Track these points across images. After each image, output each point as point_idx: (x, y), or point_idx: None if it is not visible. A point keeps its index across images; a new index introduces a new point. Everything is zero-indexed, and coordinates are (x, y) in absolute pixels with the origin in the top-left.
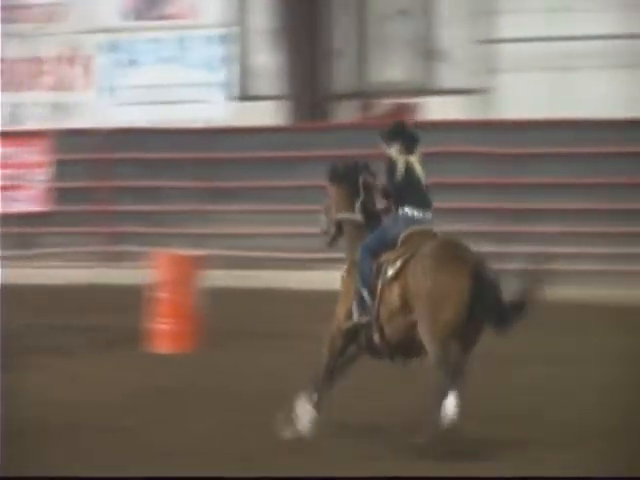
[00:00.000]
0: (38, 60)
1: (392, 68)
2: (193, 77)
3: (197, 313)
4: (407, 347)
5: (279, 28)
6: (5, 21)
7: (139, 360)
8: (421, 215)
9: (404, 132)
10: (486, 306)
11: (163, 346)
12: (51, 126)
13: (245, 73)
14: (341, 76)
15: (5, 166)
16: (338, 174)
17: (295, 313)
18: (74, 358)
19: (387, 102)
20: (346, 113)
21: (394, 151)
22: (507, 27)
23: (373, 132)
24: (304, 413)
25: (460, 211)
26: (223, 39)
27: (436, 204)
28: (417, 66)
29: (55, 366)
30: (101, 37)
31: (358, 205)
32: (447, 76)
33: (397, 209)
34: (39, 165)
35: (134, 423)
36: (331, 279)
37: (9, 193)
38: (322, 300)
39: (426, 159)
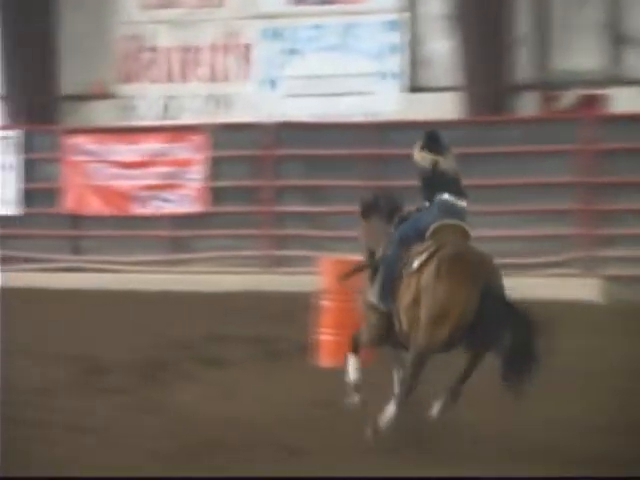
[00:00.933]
0: (193, 49)
1: (578, 56)
2: (360, 67)
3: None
4: None
5: (454, 13)
6: (157, 7)
7: (303, 374)
8: (456, 201)
9: (429, 138)
10: (488, 333)
11: (328, 359)
12: (207, 120)
13: (417, 62)
14: (522, 65)
15: (157, 164)
16: (369, 207)
17: None
18: (235, 370)
19: (573, 93)
20: (528, 106)
21: (418, 153)
22: None
23: (558, 126)
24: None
25: None
26: (393, 26)
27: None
28: (605, 54)
29: (213, 379)
30: (260, 24)
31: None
32: (638, 65)
33: (431, 200)
34: (194, 162)
35: (306, 442)
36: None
37: (162, 193)
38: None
39: (616, 155)
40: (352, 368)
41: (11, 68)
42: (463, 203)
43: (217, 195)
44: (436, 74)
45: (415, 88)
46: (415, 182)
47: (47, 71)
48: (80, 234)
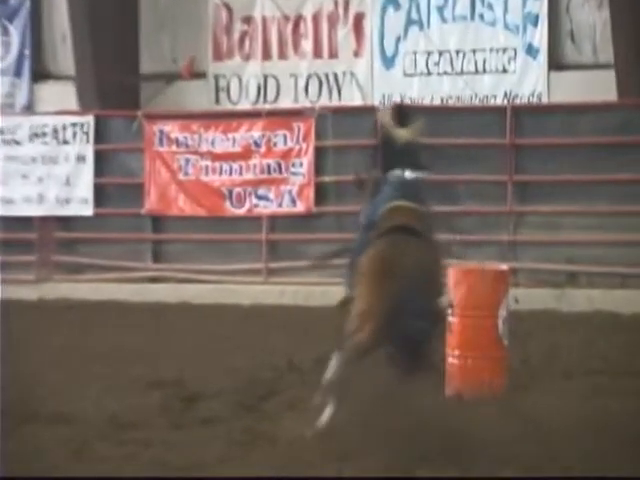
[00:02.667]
0: (295, 20)
1: None
2: (493, 41)
3: (500, 345)
4: None
5: None
6: None
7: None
8: (410, 175)
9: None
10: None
11: (453, 385)
12: (312, 104)
13: (561, 36)
14: None
15: (254, 155)
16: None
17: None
18: None
19: None
20: None
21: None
22: None
23: None
24: None
25: None
26: None
27: None
28: None
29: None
30: None
31: None
32: None
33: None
34: (298, 154)
35: None
36: None
37: (259, 190)
38: None
39: None
40: (331, 366)
41: (83, 43)
42: (418, 176)
43: (324, 192)
44: (584, 49)
45: (560, 66)
46: (564, 175)
47: (126, 47)
48: (163, 238)
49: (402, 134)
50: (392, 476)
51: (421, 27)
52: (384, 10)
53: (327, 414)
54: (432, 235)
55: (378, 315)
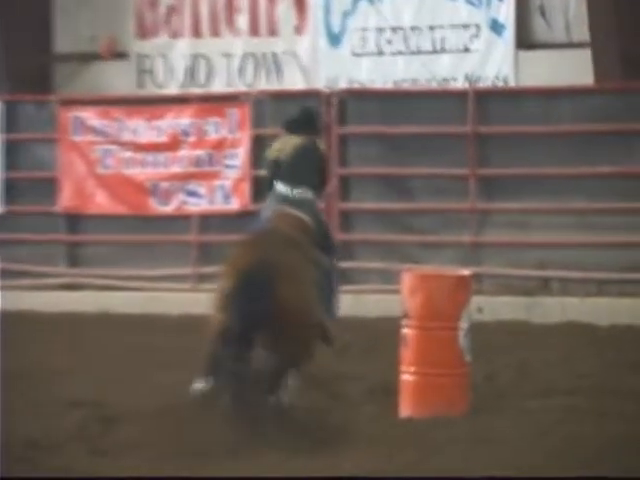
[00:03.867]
0: None
1: None
2: (455, 17)
3: (461, 361)
4: None
5: None
6: None
7: None
8: (290, 191)
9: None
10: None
11: (408, 407)
12: (248, 88)
13: (531, 12)
14: None
15: (183, 146)
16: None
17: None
18: None
19: None
20: None
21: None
22: None
23: None
24: None
25: None
26: None
27: None
28: None
29: None
30: None
31: None
32: None
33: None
34: (232, 144)
35: None
36: None
37: (189, 185)
38: None
39: None
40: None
41: None
42: (300, 192)
43: (261, 188)
44: (556, 26)
45: (528, 44)
46: (534, 168)
47: (38, 23)
48: (80, 239)
49: (277, 148)
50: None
51: (372, 0)
52: None
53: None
54: (308, 246)
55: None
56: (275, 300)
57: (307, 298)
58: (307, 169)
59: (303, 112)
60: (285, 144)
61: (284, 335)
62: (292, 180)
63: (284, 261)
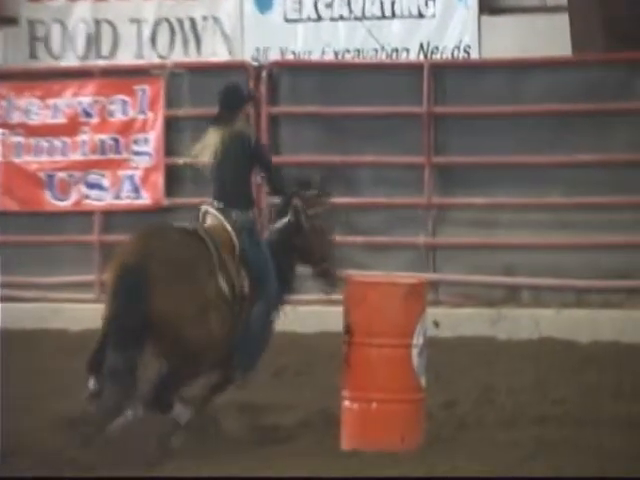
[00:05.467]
0: None
1: None
2: None
3: (415, 384)
4: None
5: None
6: None
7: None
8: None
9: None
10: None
11: (351, 438)
12: (161, 60)
13: None
14: None
15: (84, 128)
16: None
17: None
18: None
19: None
20: None
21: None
22: None
23: None
24: None
25: None
26: None
27: None
28: None
29: None
30: None
31: None
32: None
33: None
34: (142, 127)
35: None
36: None
37: (91, 175)
38: None
39: None
40: None
41: None
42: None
43: (178, 179)
44: None
45: (494, 8)
46: (501, 156)
47: None
48: None
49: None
50: None
51: None
52: None
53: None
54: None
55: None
56: (150, 303)
57: (186, 310)
58: (236, 175)
59: (224, 90)
60: (203, 145)
61: (163, 343)
62: (219, 196)
63: (174, 262)
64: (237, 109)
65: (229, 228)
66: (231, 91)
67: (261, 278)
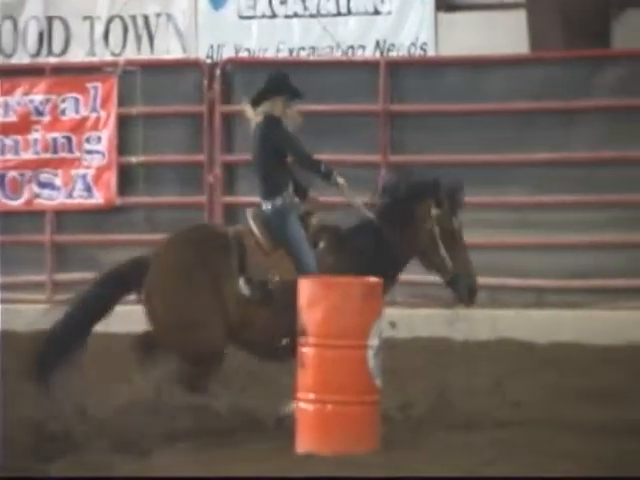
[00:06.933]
0: None
1: None
2: None
3: (370, 386)
4: None
5: None
6: None
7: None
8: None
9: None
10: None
11: (307, 441)
12: (113, 57)
13: None
14: None
15: (34, 127)
16: None
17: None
18: None
19: None
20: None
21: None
22: None
23: None
24: None
25: None
26: None
27: None
28: None
29: None
30: None
31: None
32: None
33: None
34: (93, 125)
35: None
36: None
37: (41, 175)
38: None
39: None
40: None
41: None
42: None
43: (131, 178)
44: None
45: (451, 5)
46: (459, 155)
47: None
48: None
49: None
50: None
51: None
52: None
53: None
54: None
55: None
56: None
57: (182, 319)
58: (260, 164)
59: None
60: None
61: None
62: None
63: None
64: (271, 95)
65: (254, 229)
66: (274, 77)
67: (297, 258)
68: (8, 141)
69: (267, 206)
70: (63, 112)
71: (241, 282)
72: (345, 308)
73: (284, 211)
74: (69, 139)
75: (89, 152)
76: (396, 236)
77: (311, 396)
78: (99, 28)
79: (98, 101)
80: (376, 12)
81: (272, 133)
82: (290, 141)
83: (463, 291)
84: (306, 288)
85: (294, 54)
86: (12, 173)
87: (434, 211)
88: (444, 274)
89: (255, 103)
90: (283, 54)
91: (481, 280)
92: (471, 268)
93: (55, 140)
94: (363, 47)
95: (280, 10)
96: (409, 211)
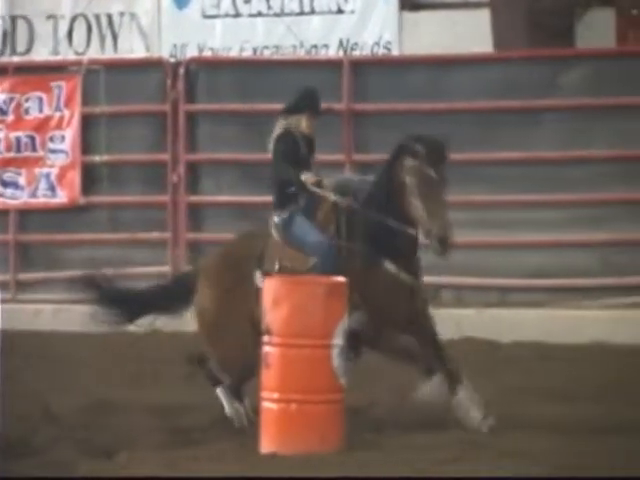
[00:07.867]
0: None
1: None
2: None
3: (335, 385)
4: None
5: None
6: None
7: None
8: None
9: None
10: None
11: (270, 441)
12: (76, 56)
13: None
14: None
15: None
16: None
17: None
18: None
19: None
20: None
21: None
22: None
23: None
24: None
25: None
26: None
27: None
28: None
29: None
30: None
31: None
32: None
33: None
34: (57, 124)
35: None
36: None
37: (5, 173)
38: None
39: None
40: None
41: None
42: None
43: (94, 177)
44: None
45: (415, 4)
46: None
47: None
48: None
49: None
50: None
51: None
52: None
53: None
54: None
55: None
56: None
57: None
58: (274, 177)
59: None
60: None
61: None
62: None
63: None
64: (297, 111)
65: (269, 242)
66: (306, 93)
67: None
68: None
69: (276, 217)
70: (27, 111)
71: (257, 274)
72: (309, 307)
73: (291, 220)
74: (33, 138)
75: (53, 151)
76: (389, 203)
77: (275, 395)
78: (63, 27)
79: (62, 100)
80: (340, 11)
81: (278, 147)
82: (279, 161)
83: (434, 242)
84: (270, 287)
85: (258, 53)
86: None
87: (408, 162)
88: (421, 225)
89: (284, 116)
90: (247, 53)
91: (444, 279)
92: (443, 218)
93: (19, 139)
94: (327, 46)
95: (244, 9)
96: (388, 170)
